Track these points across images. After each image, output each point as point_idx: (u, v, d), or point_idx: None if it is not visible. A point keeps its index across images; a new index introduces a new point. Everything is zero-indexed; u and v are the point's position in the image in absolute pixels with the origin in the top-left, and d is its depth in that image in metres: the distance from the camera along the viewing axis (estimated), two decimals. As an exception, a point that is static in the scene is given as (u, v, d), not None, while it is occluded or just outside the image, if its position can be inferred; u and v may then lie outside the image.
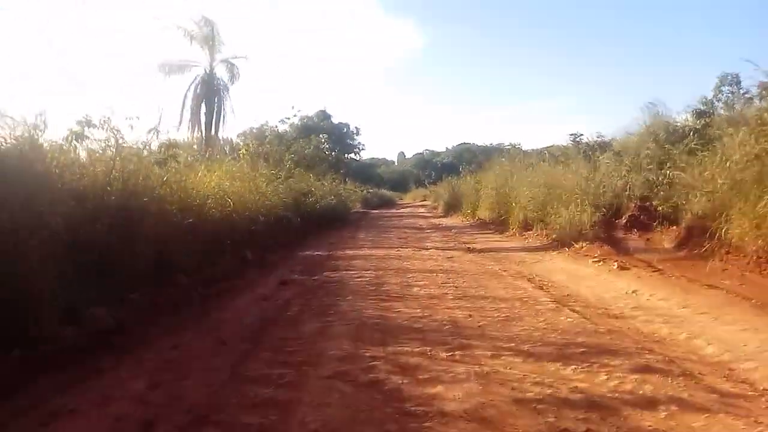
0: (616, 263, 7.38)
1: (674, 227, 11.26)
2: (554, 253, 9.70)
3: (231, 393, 3.57)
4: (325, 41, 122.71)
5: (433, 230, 16.81)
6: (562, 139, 20.74)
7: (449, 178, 33.99)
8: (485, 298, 6.01)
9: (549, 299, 5.87)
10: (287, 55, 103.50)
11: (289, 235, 13.39)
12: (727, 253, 7.33)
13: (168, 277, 7.54)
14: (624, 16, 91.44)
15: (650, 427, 2.89)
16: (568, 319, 4.97)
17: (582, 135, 20.93)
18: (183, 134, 19.44)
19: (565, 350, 4.09)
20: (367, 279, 7.85)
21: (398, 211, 32.56)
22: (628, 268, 7.20)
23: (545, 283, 6.97)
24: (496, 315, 5.21)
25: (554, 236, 11.08)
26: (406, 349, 4.28)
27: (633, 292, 5.97)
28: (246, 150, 14.88)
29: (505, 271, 8.05)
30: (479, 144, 68.70)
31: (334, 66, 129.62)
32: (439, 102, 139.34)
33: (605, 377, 3.56)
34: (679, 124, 16.94)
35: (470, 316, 5.21)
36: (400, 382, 3.57)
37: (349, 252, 11.48)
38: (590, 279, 7.01)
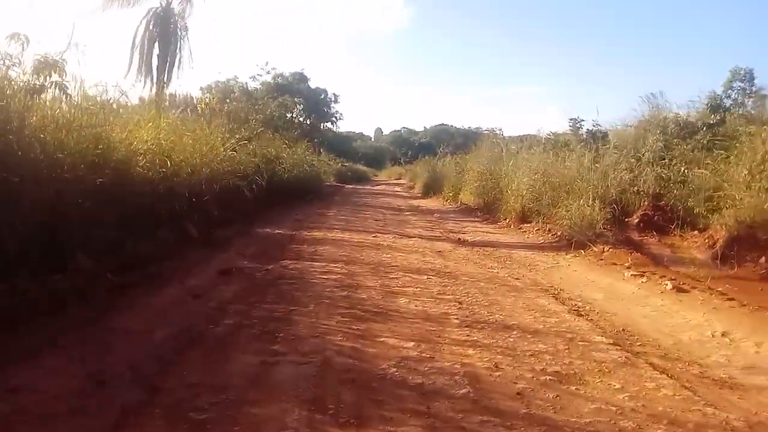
0: (669, 282, 5.67)
1: (696, 232, 9.72)
2: (568, 255, 7.96)
3: None
4: (308, 7, 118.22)
5: (413, 213, 14.98)
6: (544, 129, 19.29)
7: (426, 157, 32.41)
8: (507, 329, 4.19)
9: (603, 338, 4.07)
10: (263, 15, 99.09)
11: (249, 206, 11.37)
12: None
13: (71, 258, 5.53)
14: (617, 15, 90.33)
15: None
16: (663, 391, 3.14)
17: (583, 121, 19.36)
18: (132, 83, 16.65)
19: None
20: (337, 277, 5.98)
21: (373, 187, 30.57)
22: (686, 291, 5.49)
23: (580, 304, 5.18)
24: (537, 367, 3.38)
25: (561, 233, 9.36)
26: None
27: (722, 334, 4.23)
28: (205, 105, 12.66)
29: (517, 279, 6.25)
30: (458, 126, 67.35)
31: (315, 34, 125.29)
32: (420, 82, 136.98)
33: None
34: (691, 118, 15.45)
35: (496, 367, 3.37)
36: None
37: (317, 234, 9.56)
38: (641, 304, 5.24)
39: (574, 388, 3.11)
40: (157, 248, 7.05)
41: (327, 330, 4.07)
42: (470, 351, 3.65)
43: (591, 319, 4.62)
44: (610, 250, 7.61)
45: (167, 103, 13.03)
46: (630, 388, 3.15)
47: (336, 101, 38.47)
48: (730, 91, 18.82)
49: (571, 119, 19.21)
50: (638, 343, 4.01)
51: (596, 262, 7.29)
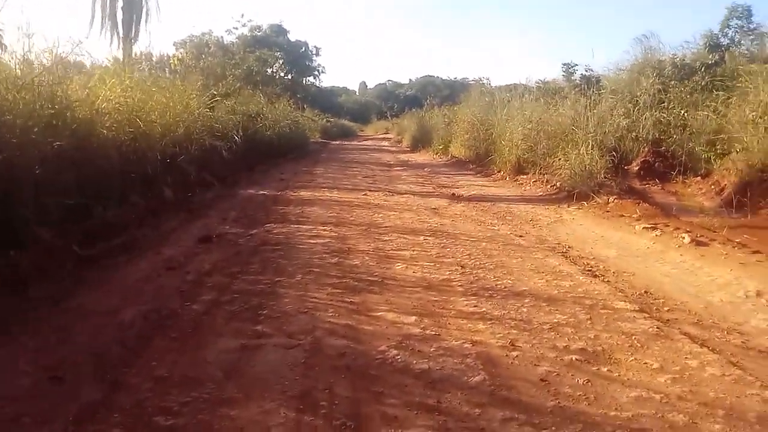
0: (686, 235, 5.23)
1: (699, 178, 9.32)
2: (571, 208, 7.50)
3: None
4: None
5: (403, 168, 14.43)
6: (532, 77, 18.73)
7: (413, 110, 31.59)
8: (518, 296, 3.74)
9: (627, 304, 3.63)
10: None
11: (230, 166, 10.76)
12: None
13: (26, 229, 4.99)
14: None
15: None
16: (709, 371, 2.67)
17: (576, 65, 18.68)
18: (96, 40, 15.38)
19: None
20: (326, 241, 5.50)
21: (360, 143, 29.81)
22: (705, 244, 5.06)
23: (593, 264, 4.74)
24: (559, 344, 2.95)
25: (560, 184, 8.91)
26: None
27: (756, 294, 3.81)
28: (178, 60, 11.83)
29: (520, 236, 5.79)
30: (444, 78, 65.97)
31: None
32: (405, 29, 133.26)
33: None
34: (687, 59, 14.87)
35: (512, 345, 2.92)
36: None
37: (304, 193, 9.03)
38: (659, 261, 4.78)
39: (605, 369, 2.68)
40: (128, 215, 6.51)
41: (316, 304, 3.61)
42: (480, 325, 3.21)
43: (608, 281, 4.19)
44: (615, 200, 7.17)
45: (139, 61, 12.15)
46: (670, 368, 2.71)
47: (318, 54, 37.05)
48: (727, 29, 18.14)
49: (564, 64, 18.53)
50: (666, 309, 3.58)
51: (602, 214, 6.84)
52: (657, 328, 3.18)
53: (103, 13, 15.45)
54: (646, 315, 3.41)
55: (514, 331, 3.11)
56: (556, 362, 2.74)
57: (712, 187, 8.26)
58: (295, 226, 6.35)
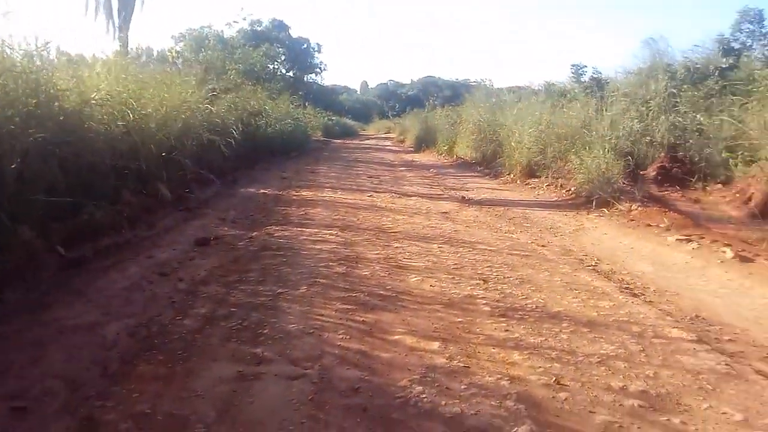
0: (728, 249, 4.79)
1: (720, 185, 8.91)
2: (591, 215, 7.05)
3: None
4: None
5: (408, 168, 14.00)
6: (535, 80, 18.46)
7: (415, 110, 31.23)
8: (554, 319, 3.29)
9: (681, 332, 3.13)
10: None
11: (231, 163, 10.34)
12: None
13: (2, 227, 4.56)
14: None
15: None
16: None
17: (585, 67, 18.35)
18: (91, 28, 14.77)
19: None
20: (332, 247, 5.07)
21: (362, 142, 29.36)
22: (750, 260, 4.60)
23: (629, 280, 4.28)
24: (613, 384, 2.50)
25: (575, 189, 8.49)
26: None
27: None
28: (176, 53, 11.39)
29: (543, 246, 5.34)
30: (446, 78, 65.65)
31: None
32: (408, 28, 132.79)
33: None
34: (699, 63, 14.53)
35: (558, 384, 2.46)
36: None
37: (307, 194, 8.61)
38: (702, 278, 4.34)
39: (678, 421, 2.23)
40: (120, 214, 6.07)
41: (324, 323, 3.18)
42: (515, 356, 2.77)
43: (651, 302, 3.75)
44: (639, 208, 6.73)
45: (138, 55, 11.68)
46: (758, 422, 2.25)
47: (319, 51, 36.64)
48: (738, 33, 17.77)
49: (573, 65, 18.21)
50: (726, 338, 3.14)
51: (626, 222, 6.40)
52: (726, 364, 2.73)
53: (96, 2, 14.88)
54: (708, 347, 2.96)
55: (557, 365, 2.67)
56: (615, 409, 2.30)
57: (737, 195, 7.84)
58: (299, 229, 5.93)
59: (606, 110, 11.06)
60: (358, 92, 77.11)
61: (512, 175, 11.04)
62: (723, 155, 9.32)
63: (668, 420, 2.24)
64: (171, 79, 8.67)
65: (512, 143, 11.57)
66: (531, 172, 10.63)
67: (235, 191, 8.86)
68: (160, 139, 7.29)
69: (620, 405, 2.34)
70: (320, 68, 36.26)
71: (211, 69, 11.72)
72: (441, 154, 18.16)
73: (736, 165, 8.77)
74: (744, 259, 4.61)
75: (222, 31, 19.88)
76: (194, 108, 8.50)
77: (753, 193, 7.31)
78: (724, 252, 4.79)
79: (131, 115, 6.62)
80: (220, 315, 3.37)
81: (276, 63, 21.17)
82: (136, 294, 3.91)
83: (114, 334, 3.20)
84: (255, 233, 5.76)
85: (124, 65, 7.19)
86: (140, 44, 13.30)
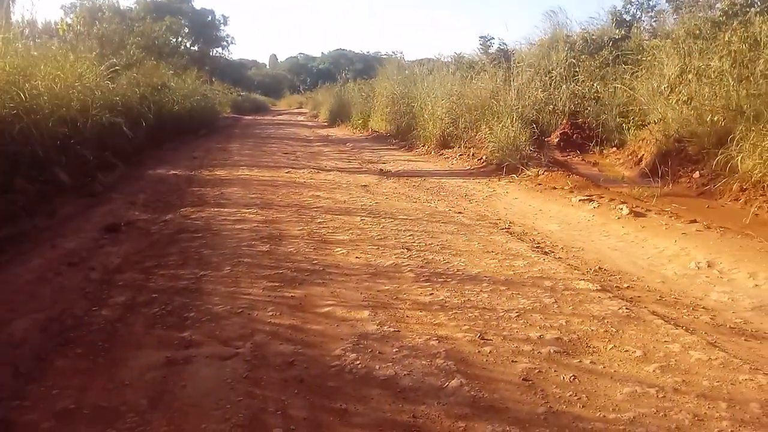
0: (624, 207, 5.22)
1: (615, 149, 9.63)
2: (502, 181, 7.40)
3: None
4: None
5: (324, 143, 13.90)
6: (443, 52, 18.89)
7: (327, 84, 30.95)
8: (474, 280, 3.46)
9: (587, 283, 3.44)
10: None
11: (136, 144, 9.76)
12: (742, 190, 5.50)
13: None
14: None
15: None
16: (693, 355, 2.49)
17: (493, 39, 18.87)
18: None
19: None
20: (253, 226, 4.99)
21: (274, 118, 28.67)
22: (642, 215, 5.06)
23: (539, 239, 4.59)
24: (531, 334, 2.68)
25: (486, 157, 8.83)
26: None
27: (708, 265, 3.79)
28: (67, 26, 10.50)
29: (459, 213, 5.56)
30: (357, 51, 65.38)
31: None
32: (317, 2, 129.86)
33: None
34: (594, 34, 15.47)
35: (482, 339, 2.61)
36: None
37: (221, 173, 8.35)
38: (603, 234, 4.73)
39: (588, 362, 2.46)
40: (14, 203, 5.61)
41: (252, 302, 3.16)
42: (441, 317, 2.90)
43: (560, 258, 4.04)
44: (545, 173, 7.15)
45: (21, 29, 10.59)
46: (654, 356, 2.52)
47: (225, 24, 35.14)
48: (629, 5, 18.97)
49: (481, 37, 18.68)
50: (625, 286, 3.47)
51: (534, 187, 6.79)
52: (626, 309, 3.03)
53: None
54: (610, 294, 3.27)
55: (480, 322, 2.84)
56: (534, 356, 2.49)
57: (630, 157, 8.52)
58: (216, 209, 5.76)
59: (513, 81, 11.52)
60: (268, 66, 74.94)
61: (427, 147, 11.28)
62: (617, 121, 10.06)
63: (580, 362, 2.47)
64: (64, 55, 8.01)
65: (425, 115, 11.79)
66: (445, 142, 10.91)
67: (142, 173, 8.41)
68: (55, 120, 6.76)
69: (538, 353, 2.54)
70: (227, 42, 34.82)
71: (107, 43, 10.89)
72: (356, 128, 18.16)
73: (628, 129, 9.49)
74: (638, 215, 5.07)
75: (117, 1, 18.51)
76: (92, 86, 7.91)
77: (643, 154, 7.98)
78: (620, 209, 5.24)
79: (21, 96, 6.08)
80: (140, 302, 3.24)
81: (180, 37, 19.98)
82: (42, 287, 3.66)
83: (22, 331, 2.99)
84: (169, 216, 5.53)
85: (6, 39, 6.52)
86: (23, 16, 12.09)
